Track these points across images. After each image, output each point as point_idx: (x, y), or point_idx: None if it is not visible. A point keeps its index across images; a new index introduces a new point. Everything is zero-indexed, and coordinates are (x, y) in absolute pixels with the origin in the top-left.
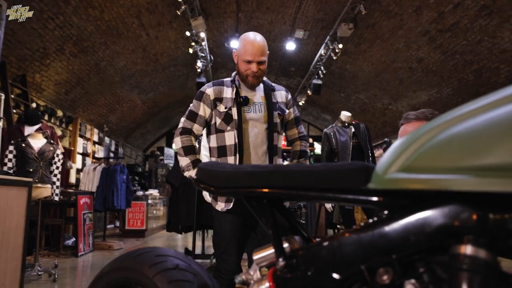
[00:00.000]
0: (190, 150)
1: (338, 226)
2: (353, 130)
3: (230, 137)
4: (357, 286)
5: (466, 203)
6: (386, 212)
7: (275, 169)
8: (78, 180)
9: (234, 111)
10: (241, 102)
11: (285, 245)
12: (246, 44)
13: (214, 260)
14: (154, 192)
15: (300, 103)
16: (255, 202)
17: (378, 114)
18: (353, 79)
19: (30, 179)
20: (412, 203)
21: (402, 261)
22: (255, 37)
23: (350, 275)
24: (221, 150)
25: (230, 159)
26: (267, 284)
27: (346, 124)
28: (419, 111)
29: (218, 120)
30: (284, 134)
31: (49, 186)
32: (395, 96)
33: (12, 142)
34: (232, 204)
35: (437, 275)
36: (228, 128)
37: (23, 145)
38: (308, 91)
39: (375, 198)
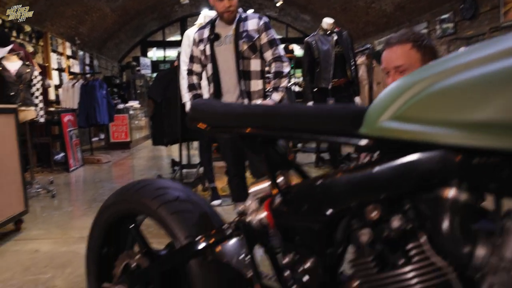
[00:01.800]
0: (191, 87)
1: None
2: (335, 38)
3: (209, 69)
4: (345, 222)
5: (454, 150)
6: (377, 154)
7: (267, 111)
8: (57, 96)
9: (207, 48)
10: (213, 38)
11: (280, 179)
12: None
13: (201, 169)
14: (134, 103)
15: (278, 4)
16: (249, 140)
17: (360, 13)
18: None
19: (16, 105)
20: (402, 147)
21: (390, 199)
22: None
23: (340, 212)
24: (208, 80)
25: (211, 87)
26: (265, 213)
27: (328, 32)
28: (400, 33)
29: (202, 57)
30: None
31: (33, 108)
32: None
33: None
34: None
35: (422, 212)
36: (208, 62)
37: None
38: None
39: (366, 143)
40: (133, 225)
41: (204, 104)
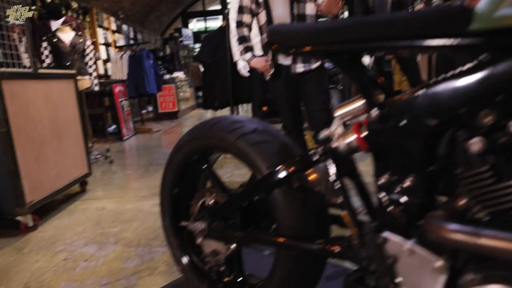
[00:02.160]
0: (242, 39)
1: None
2: None
3: (262, 17)
4: (450, 134)
5: None
6: (485, 55)
7: (358, 22)
8: (106, 70)
9: None
10: None
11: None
12: None
13: None
14: (179, 74)
15: None
16: (335, 59)
17: None
18: None
19: (74, 71)
20: None
21: (506, 102)
22: None
23: (447, 121)
24: (261, 30)
25: (264, 36)
26: (354, 136)
27: None
28: None
29: (253, 6)
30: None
31: (88, 77)
32: None
33: (44, 38)
34: (272, 71)
35: None
36: (260, 9)
37: (54, 40)
38: None
39: (476, 40)
40: (206, 165)
41: (283, 25)
